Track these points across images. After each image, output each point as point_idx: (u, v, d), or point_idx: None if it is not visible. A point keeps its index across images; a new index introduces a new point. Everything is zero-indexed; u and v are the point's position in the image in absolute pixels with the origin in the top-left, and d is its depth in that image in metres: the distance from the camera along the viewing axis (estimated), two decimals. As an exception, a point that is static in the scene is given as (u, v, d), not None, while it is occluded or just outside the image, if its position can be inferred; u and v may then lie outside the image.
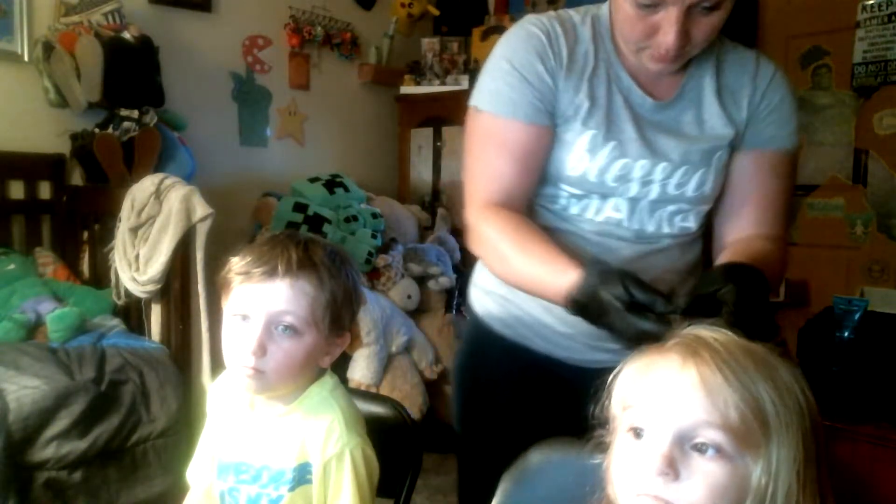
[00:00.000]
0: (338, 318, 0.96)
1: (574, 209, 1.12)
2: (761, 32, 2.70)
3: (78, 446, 1.82)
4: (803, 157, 2.66)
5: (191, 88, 3.00)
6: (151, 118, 2.55)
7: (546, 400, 1.17)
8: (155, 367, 2.04)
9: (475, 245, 1.11)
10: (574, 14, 1.12)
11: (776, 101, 1.11)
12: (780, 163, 1.13)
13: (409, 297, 3.02)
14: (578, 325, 0.96)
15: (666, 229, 1.12)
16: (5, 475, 1.70)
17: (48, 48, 2.48)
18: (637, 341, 0.83)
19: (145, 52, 2.58)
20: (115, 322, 2.30)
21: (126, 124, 2.50)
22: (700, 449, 0.62)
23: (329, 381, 1.01)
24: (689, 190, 1.09)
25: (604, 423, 0.71)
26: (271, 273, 0.91)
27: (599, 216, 1.11)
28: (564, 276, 0.94)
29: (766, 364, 0.65)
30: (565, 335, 1.13)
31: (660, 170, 1.07)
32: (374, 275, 3.01)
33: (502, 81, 1.08)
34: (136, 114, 2.53)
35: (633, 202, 1.10)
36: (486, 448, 1.21)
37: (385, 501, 1.08)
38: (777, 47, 2.66)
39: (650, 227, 1.11)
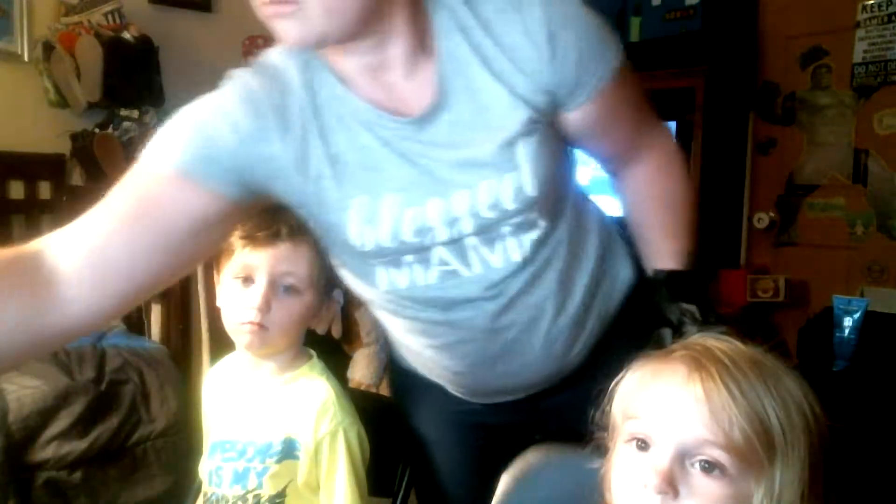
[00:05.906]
0: (330, 280, 1.02)
1: (400, 282, 0.89)
2: (761, 32, 2.69)
3: (78, 446, 1.82)
4: (803, 156, 2.66)
5: (191, 88, 2.97)
6: (151, 118, 2.55)
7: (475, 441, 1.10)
8: (155, 367, 2.04)
9: None
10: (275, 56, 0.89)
11: (572, 40, 0.83)
12: (615, 92, 0.89)
13: (409, 297, 3.02)
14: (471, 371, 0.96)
15: (517, 257, 0.88)
16: (5, 475, 1.70)
17: (48, 48, 2.47)
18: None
19: (145, 52, 2.58)
20: (115, 322, 2.29)
21: (126, 124, 2.50)
22: (701, 467, 0.61)
23: (318, 363, 1.05)
24: (507, 203, 0.84)
25: (604, 428, 0.70)
26: (274, 236, 0.97)
27: (431, 276, 0.88)
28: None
29: (774, 378, 0.63)
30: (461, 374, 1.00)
31: (456, 201, 0.84)
32: (373, 275, 3.00)
33: None
34: (136, 114, 2.53)
35: (457, 246, 0.87)
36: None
37: (383, 501, 1.08)
38: (777, 47, 2.66)
39: (497, 264, 0.88)
